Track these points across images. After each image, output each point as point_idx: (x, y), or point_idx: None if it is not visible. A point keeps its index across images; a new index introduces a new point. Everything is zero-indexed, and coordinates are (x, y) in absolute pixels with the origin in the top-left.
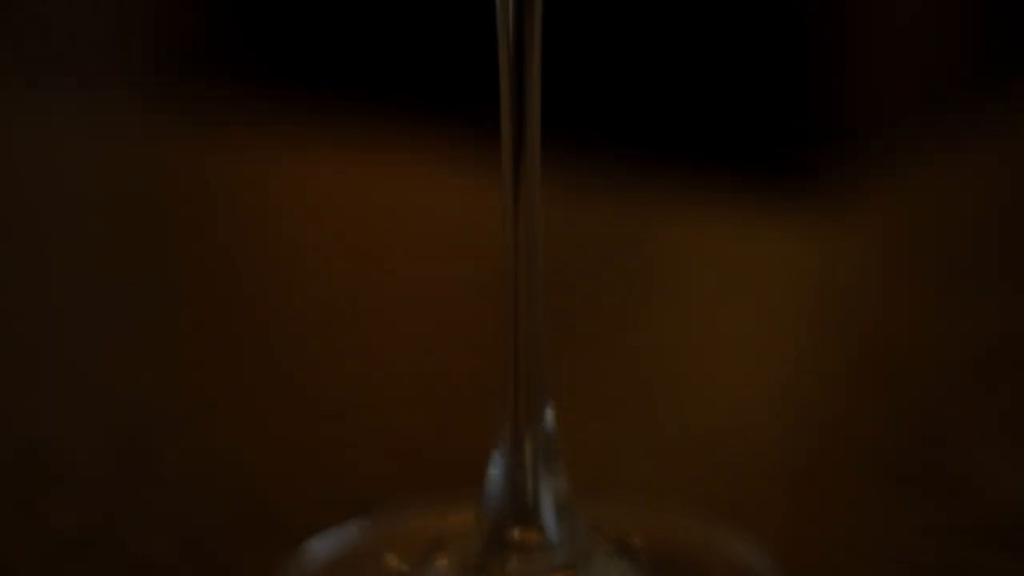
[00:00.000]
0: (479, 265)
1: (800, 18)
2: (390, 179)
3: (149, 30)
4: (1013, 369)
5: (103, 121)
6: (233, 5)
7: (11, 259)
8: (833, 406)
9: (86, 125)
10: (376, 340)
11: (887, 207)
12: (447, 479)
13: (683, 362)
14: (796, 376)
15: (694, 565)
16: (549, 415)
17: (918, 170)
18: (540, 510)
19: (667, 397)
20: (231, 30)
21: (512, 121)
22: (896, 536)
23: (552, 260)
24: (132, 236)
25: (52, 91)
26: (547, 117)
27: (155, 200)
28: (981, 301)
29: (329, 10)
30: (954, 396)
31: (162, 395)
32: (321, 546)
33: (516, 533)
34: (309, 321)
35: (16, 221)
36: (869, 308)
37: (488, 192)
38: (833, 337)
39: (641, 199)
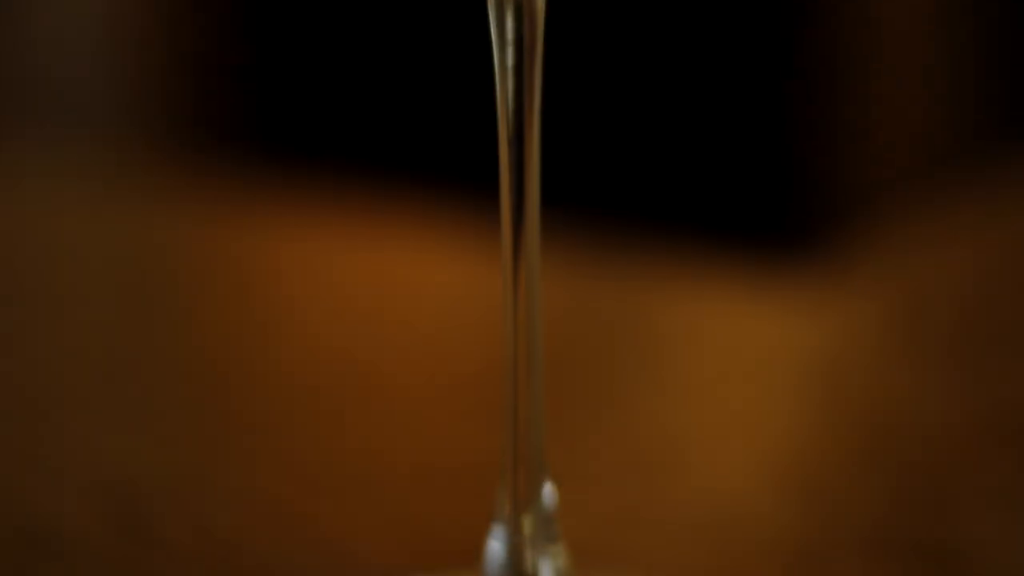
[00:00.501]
0: (479, 342)
1: (797, 90)
2: (387, 253)
3: (148, 93)
4: (1010, 444)
5: (97, 184)
6: (235, 77)
7: (3, 330)
8: (832, 482)
9: (79, 188)
10: (376, 414)
11: (885, 277)
12: (447, 552)
13: (682, 438)
14: (794, 451)
15: None
16: (548, 490)
17: (917, 240)
18: None
19: (666, 473)
20: (231, 101)
21: (512, 195)
22: None
23: (551, 335)
24: (127, 308)
25: (38, 152)
26: (547, 190)
27: (149, 271)
28: (977, 373)
29: (329, 83)
30: (953, 471)
31: (160, 471)
32: None
33: None
34: (307, 396)
35: (6, 290)
36: (866, 382)
37: (488, 268)
38: (831, 411)
39: (641, 274)
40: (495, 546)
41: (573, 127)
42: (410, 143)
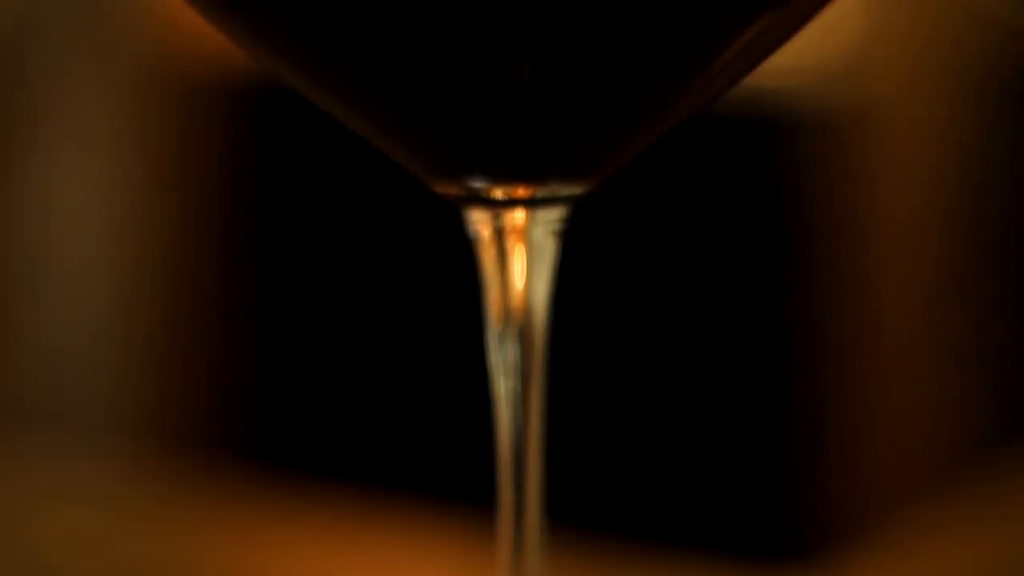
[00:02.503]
0: None
1: (793, 411)
2: (388, 568)
3: (146, 400)
4: None
5: (85, 486)
6: (237, 389)
7: None
8: None
9: (67, 488)
10: None
11: None
12: None
13: None
14: None
15: None
16: None
17: (916, 555)
18: None
19: None
20: (233, 411)
21: (513, 517)
22: None
23: None
24: None
25: (35, 460)
26: (546, 507)
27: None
28: None
29: (329, 399)
30: None
31: None
32: None
33: None
34: None
35: None
36: None
37: None
38: None
39: None
40: None
41: (568, 444)
42: (410, 459)
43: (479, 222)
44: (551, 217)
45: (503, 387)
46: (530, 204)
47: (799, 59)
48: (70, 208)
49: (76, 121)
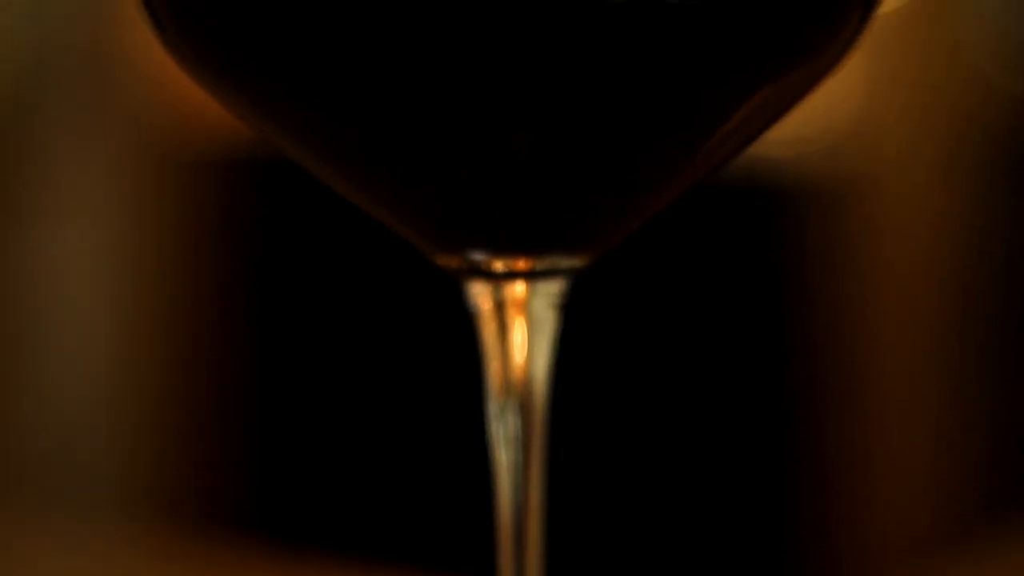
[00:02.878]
0: None
1: (793, 489)
2: None
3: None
4: None
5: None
6: (237, 464)
7: None
8: None
9: (63, 562)
10: None
11: None
12: None
13: None
14: None
15: None
16: None
17: None
18: None
19: None
20: (235, 486)
21: None
22: None
23: None
24: None
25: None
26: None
27: None
28: None
29: (330, 473)
30: None
31: None
32: None
33: None
34: None
35: None
36: None
37: None
38: None
39: None
40: None
41: (570, 515)
42: (410, 532)
43: (480, 295)
44: (551, 290)
45: (504, 458)
46: (530, 277)
47: (800, 128)
48: (71, 278)
49: (77, 189)
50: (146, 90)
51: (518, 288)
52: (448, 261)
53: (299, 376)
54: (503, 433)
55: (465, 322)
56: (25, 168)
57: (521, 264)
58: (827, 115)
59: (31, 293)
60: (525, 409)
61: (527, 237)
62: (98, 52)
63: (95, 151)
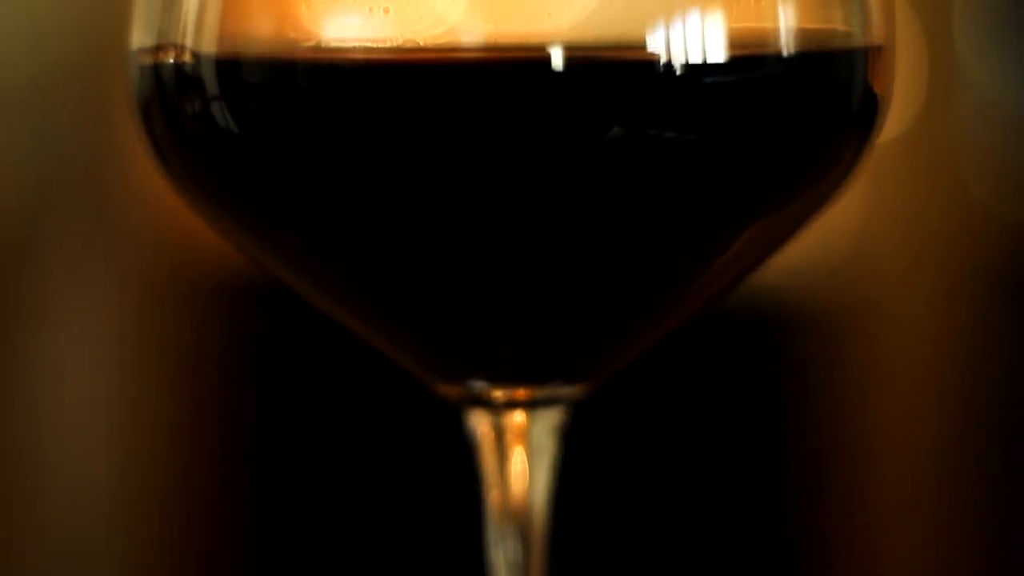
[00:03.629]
0: None
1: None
2: None
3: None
4: None
5: None
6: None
7: None
8: None
9: None
10: None
11: None
12: None
13: None
14: None
15: None
16: None
17: None
18: None
19: None
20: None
21: None
22: None
23: None
24: None
25: None
26: None
27: None
28: None
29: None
30: None
31: None
32: None
33: None
34: None
35: None
36: None
37: None
38: None
39: None
40: None
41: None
42: None
43: (480, 424)
44: (551, 418)
45: None
46: (530, 406)
47: (796, 257)
48: (70, 402)
49: (77, 311)
50: (149, 213)
51: (518, 417)
52: (448, 390)
53: (301, 499)
54: (503, 558)
55: (464, 448)
56: (23, 291)
57: (521, 393)
58: (824, 243)
59: (28, 415)
60: (525, 535)
61: (527, 368)
62: (100, 180)
63: (96, 274)
